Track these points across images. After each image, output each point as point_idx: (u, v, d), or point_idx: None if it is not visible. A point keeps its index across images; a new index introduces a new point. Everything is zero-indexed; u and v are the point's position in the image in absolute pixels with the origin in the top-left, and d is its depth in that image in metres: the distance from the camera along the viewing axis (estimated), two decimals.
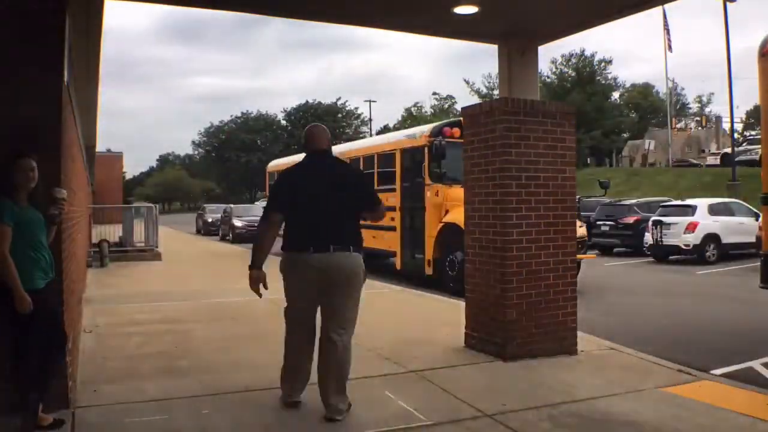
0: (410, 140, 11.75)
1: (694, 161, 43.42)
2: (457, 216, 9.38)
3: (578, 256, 7.43)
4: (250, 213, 26.40)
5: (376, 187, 12.67)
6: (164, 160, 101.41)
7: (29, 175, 3.56)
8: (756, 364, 5.69)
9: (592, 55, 55.56)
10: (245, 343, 6.09)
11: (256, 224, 22.04)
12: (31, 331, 3.50)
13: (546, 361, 5.33)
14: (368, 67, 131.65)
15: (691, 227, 15.27)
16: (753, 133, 53.97)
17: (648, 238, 16.11)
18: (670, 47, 45.64)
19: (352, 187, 4.08)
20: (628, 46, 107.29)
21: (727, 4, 27.81)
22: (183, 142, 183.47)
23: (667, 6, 34.95)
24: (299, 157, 4.57)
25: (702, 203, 16.47)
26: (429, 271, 10.90)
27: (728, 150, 33.07)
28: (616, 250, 18.22)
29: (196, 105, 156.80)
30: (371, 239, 11.04)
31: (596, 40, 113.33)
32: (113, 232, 16.82)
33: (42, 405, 3.63)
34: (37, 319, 3.49)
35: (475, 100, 49.51)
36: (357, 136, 75.19)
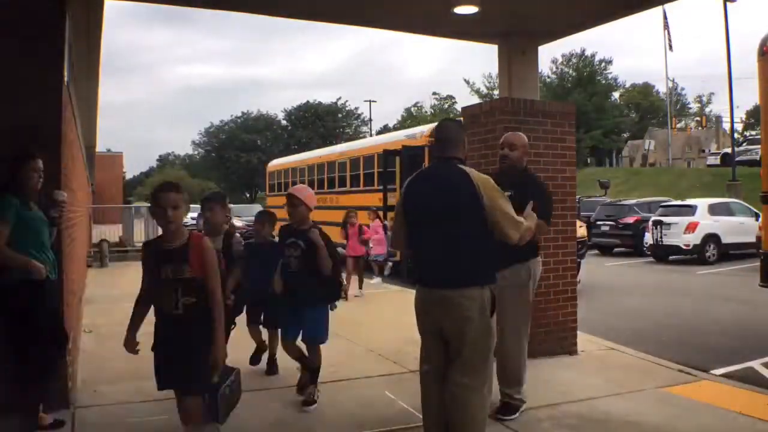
0: (410, 140, 11.74)
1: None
2: None
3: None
4: (250, 213, 26.47)
5: (375, 186, 12.68)
6: (164, 160, 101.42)
7: (37, 176, 3.56)
8: (756, 364, 5.69)
9: (593, 55, 55.53)
10: (245, 343, 6.08)
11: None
12: (31, 330, 3.50)
13: (546, 361, 5.32)
14: (375, 54, 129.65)
15: (691, 227, 15.26)
16: (753, 133, 53.98)
17: (648, 238, 16.10)
18: (671, 46, 45.65)
19: None
20: (629, 45, 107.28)
21: (727, 4, 27.80)
22: (183, 142, 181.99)
23: (667, 5, 34.96)
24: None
25: (702, 203, 16.46)
26: None
27: (728, 150, 33.06)
28: (616, 250, 18.21)
29: (192, 98, 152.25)
30: None
31: (597, 40, 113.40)
32: (113, 232, 16.83)
33: (42, 405, 3.64)
34: (38, 318, 3.50)
35: (475, 100, 49.52)
36: (357, 136, 75.17)
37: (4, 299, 3.43)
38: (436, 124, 3.54)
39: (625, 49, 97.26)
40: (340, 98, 79.54)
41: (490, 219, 3.04)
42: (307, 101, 74.94)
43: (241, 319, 4.96)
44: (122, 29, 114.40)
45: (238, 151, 71.93)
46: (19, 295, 3.45)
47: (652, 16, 73.79)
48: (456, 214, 3.04)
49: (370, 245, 10.56)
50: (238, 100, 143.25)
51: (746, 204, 17.26)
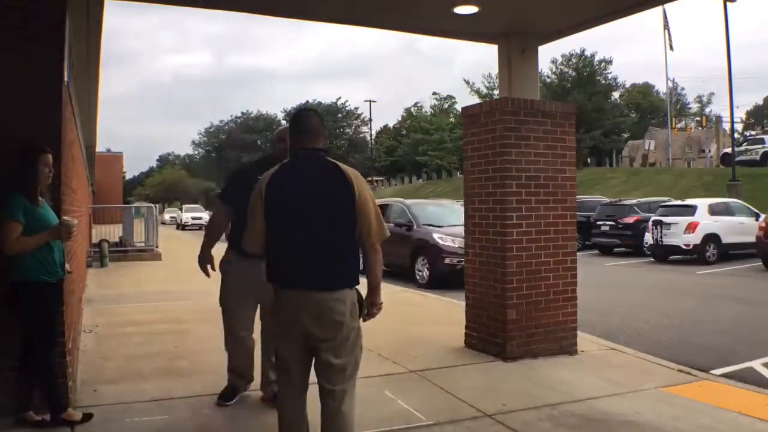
0: None
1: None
2: None
3: None
4: None
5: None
6: (164, 160, 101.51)
7: (47, 171, 3.61)
8: (756, 364, 5.69)
9: (592, 55, 55.56)
10: None
11: None
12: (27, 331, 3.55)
13: (546, 361, 5.33)
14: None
15: (691, 227, 15.27)
16: (753, 133, 54.03)
17: (648, 238, 16.10)
18: (671, 46, 45.72)
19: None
20: (629, 45, 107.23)
21: (727, 4, 27.80)
22: (183, 142, 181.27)
23: (667, 5, 34.98)
24: None
25: (702, 203, 16.47)
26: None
27: (728, 150, 33.08)
28: (616, 250, 18.22)
29: (187, 90, 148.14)
30: None
31: (597, 39, 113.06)
32: (113, 232, 16.83)
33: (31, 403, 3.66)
34: (53, 315, 3.62)
35: (475, 100, 49.51)
36: (357, 136, 75.20)
37: (18, 299, 3.50)
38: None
39: (625, 49, 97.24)
40: (339, 98, 79.60)
41: (360, 216, 2.84)
42: (307, 101, 75.03)
43: None
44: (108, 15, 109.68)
45: (238, 151, 72.00)
46: (24, 296, 3.51)
47: (653, 15, 73.78)
48: (329, 209, 2.81)
49: None
50: (243, 92, 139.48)
51: (746, 204, 17.27)
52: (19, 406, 3.63)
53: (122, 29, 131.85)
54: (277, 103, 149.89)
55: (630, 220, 17.74)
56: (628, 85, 65.39)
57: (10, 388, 3.63)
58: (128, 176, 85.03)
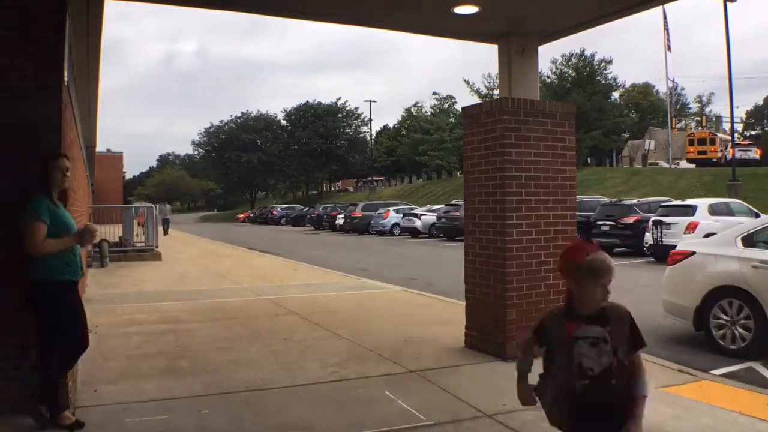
0: None
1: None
2: None
3: None
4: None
5: None
6: (164, 160, 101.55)
7: (65, 175, 3.69)
8: (756, 364, 5.69)
9: (592, 55, 55.47)
10: (245, 343, 6.09)
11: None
12: (53, 329, 3.56)
13: None
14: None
15: (691, 227, 15.25)
16: (753, 133, 54.07)
17: (648, 238, 16.09)
18: (669, 47, 45.74)
19: None
20: (629, 45, 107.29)
21: (728, 3, 27.81)
22: (183, 142, 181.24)
23: (667, 5, 34.99)
24: None
25: (702, 203, 16.46)
26: None
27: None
28: (616, 250, 18.21)
29: (186, 85, 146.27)
30: None
31: (596, 40, 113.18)
32: (113, 232, 16.84)
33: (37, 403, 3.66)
34: (78, 311, 3.66)
35: (475, 100, 49.50)
36: (357, 136, 75.18)
37: (38, 298, 3.54)
38: None
39: (625, 49, 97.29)
40: (339, 98, 79.61)
41: None
42: (307, 101, 75.01)
43: None
44: None
45: (238, 151, 71.96)
46: (43, 294, 3.55)
47: (653, 15, 73.85)
48: None
49: None
50: (246, 86, 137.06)
51: (746, 204, 17.27)
52: (20, 405, 3.63)
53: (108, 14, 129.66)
54: (279, 99, 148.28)
55: (630, 220, 17.73)
56: (628, 85, 65.37)
57: (10, 387, 3.63)
58: (128, 176, 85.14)
